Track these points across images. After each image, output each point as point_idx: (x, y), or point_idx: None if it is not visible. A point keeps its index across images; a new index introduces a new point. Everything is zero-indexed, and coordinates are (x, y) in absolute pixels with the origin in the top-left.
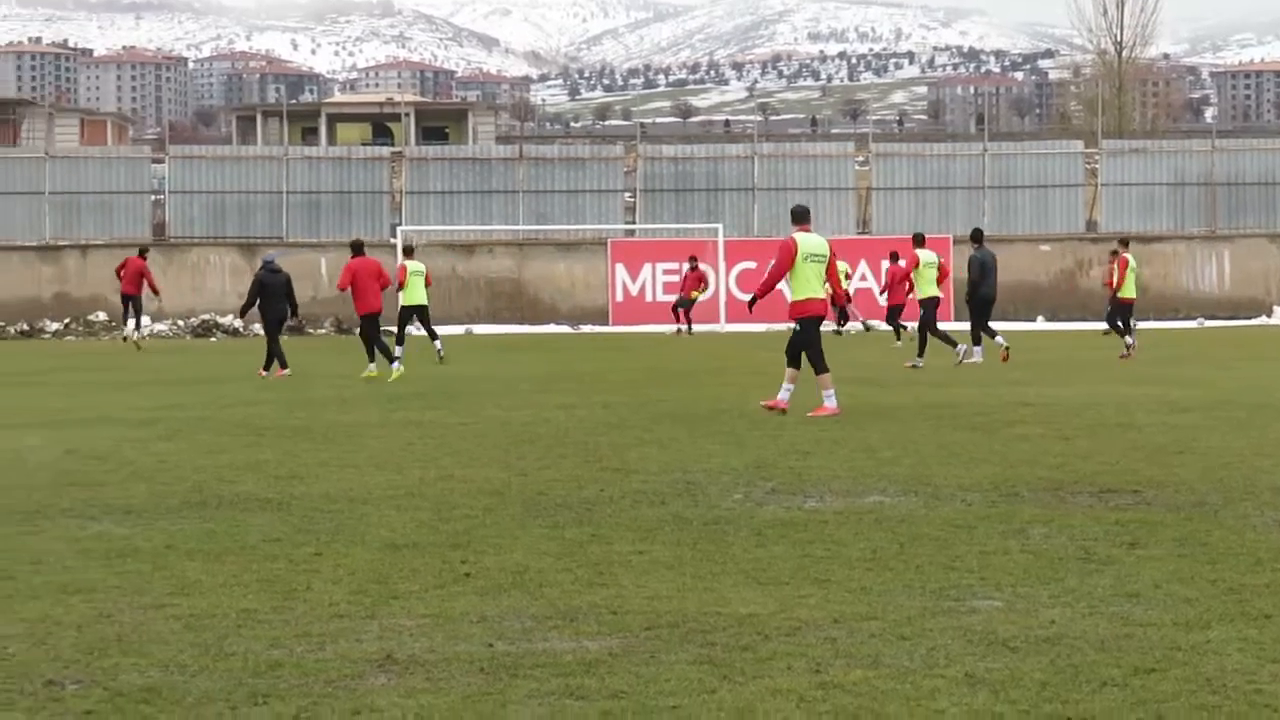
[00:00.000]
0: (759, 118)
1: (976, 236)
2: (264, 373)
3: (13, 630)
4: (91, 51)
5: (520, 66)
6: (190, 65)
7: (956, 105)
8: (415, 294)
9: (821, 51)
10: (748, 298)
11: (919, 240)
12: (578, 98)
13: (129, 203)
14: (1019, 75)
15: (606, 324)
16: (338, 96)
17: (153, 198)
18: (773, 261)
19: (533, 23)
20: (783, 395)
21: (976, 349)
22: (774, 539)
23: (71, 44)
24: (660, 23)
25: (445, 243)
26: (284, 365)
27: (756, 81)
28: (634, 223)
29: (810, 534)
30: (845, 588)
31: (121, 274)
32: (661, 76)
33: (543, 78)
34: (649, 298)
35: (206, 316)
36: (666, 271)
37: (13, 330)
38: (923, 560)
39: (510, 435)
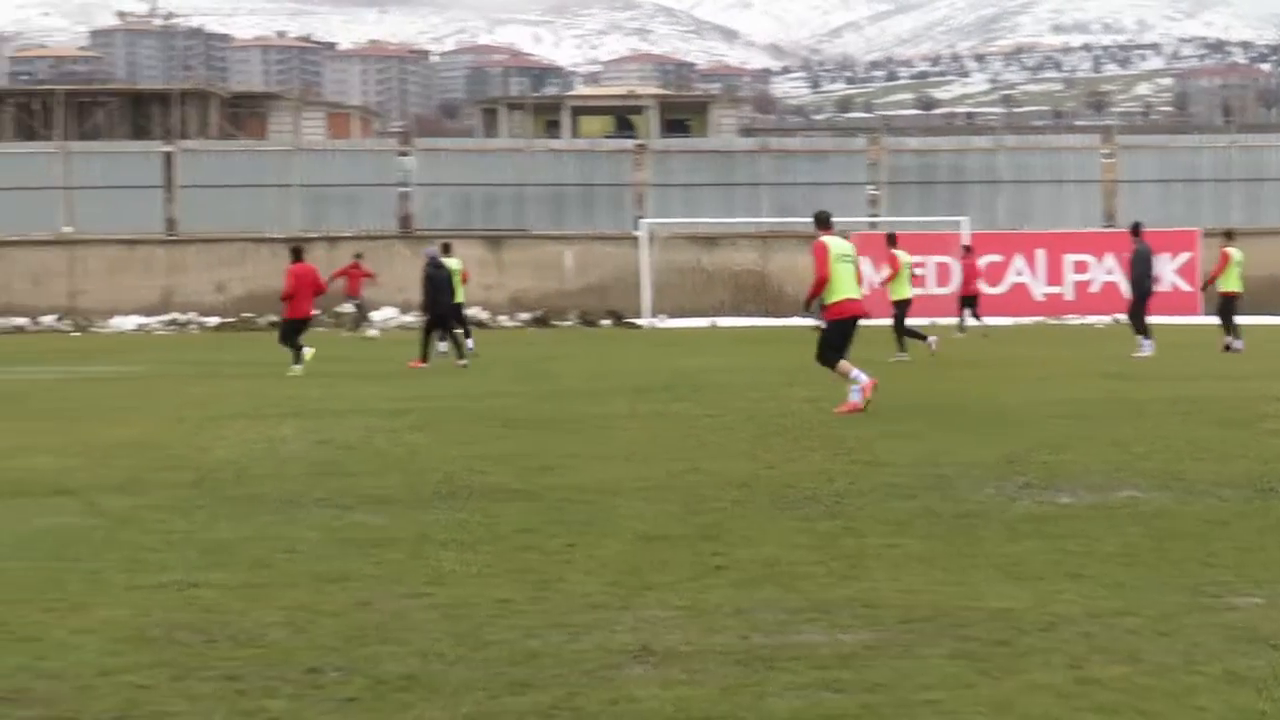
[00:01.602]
0: (1002, 110)
1: (1136, 230)
2: (423, 364)
3: (273, 618)
4: (336, 45)
5: (761, 59)
6: (433, 58)
7: (1202, 97)
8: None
9: (1065, 43)
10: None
11: (892, 241)
12: (819, 90)
13: (376, 195)
14: (1265, 66)
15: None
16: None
17: (399, 190)
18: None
19: (774, 15)
20: (853, 396)
21: (1146, 342)
22: (1027, 533)
23: (316, 38)
24: (902, 14)
25: (689, 235)
26: (424, 360)
27: (999, 73)
28: (877, 215)
29: (1063, 529)
30: (1100, 583)
31: (341, 278)
32: (903, 69)
33: (784, 70)
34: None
35: None
36: (911, 265)
37: (262, 321)
38: (1179, 556)
39: (757, 428)
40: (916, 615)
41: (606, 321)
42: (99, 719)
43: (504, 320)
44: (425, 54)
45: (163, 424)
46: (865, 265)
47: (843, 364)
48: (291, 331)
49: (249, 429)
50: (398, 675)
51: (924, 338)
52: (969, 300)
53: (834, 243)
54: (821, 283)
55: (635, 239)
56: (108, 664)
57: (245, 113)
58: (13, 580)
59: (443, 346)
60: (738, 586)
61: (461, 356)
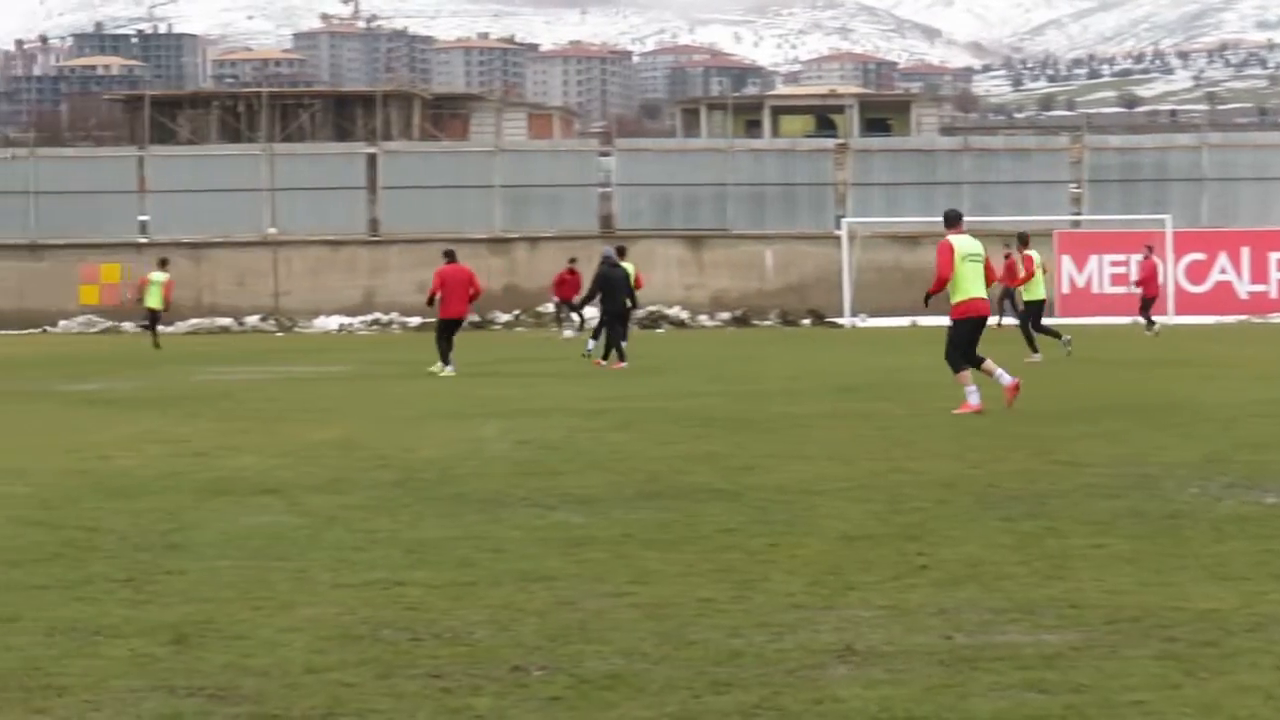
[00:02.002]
0: (1205, 107)
1: None
2: (602, 362)
3: (478, 617)
4: (538, 46)
5: (963, 57)
6: (634, 59)
7: None
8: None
9: (1269, 40)
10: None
11: (1024, 241)
12: (1021, 88)
13: (577, 195)
14: None
15: (1052, 316)
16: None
17: (600, 190)
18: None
19: (975, 13)
20: (972, 399)
21: None
22: (1233, 534)
23: (518, 39)
24: (1104, 12)
25: (890, 234)
26: (621, 358)
27: (1203, 70)
28: (1080, 214)
29: (1270, 529)
30: None
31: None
32: (1106, 66)
33: (985, 68)
34: (1095, 289)
35: (654, 308)
36: (1114, 263)
37: (464, 322)
38: None
39: (959, 427)
40: (1122, 616)
41: (806, 321)
42: (306, 716)
43: (704, 320)
44: (626, 54)
45: (366, 424)
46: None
47: (964, 372)
48: (442, 331)
49: (452, 429)
50: (601, 674)
51: (1059, 336)
52: (1149, 301)
53: (959, 242)
54: (942, 281)
55: (836, 238)
56: (314, 662)
57: (447, 114)
58: (220, 579)
59: (568, 333)
60: (940, 586)
61: (620, 358)
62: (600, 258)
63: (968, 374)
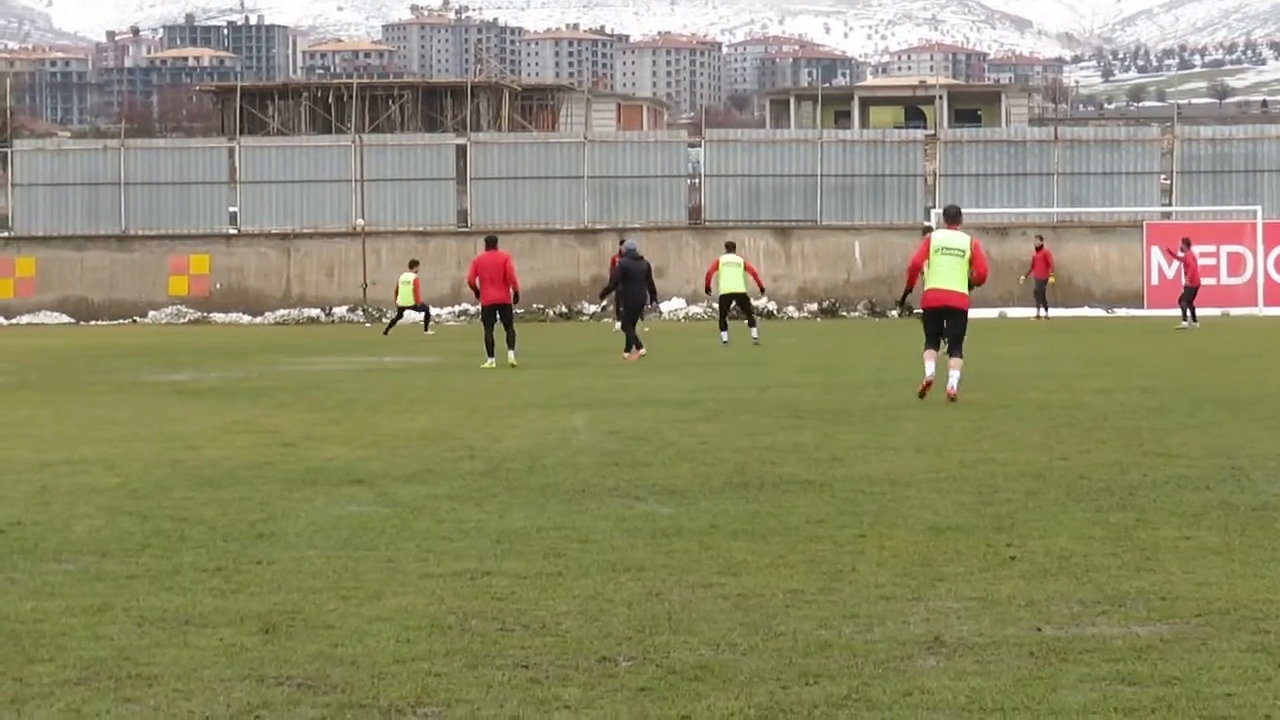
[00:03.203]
0: None
1: None
2: (626, 356)
3: (566, 607)
4: (628, 37)
5: (1053, 48)
6: (724, 50)
7: None
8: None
9: None
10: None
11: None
12: (1111, 79)
13: (665, 186)
14: None
15: (1141, 308)
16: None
17: (689, 181)
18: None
19: (1066, 4)
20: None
21: None
22: None
23: (608, 30)
24: (1196, 2)
25: (979, 225)
26: (639, 346)
27: None
28: (1170, 204)
29: None
30: None
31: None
32: (1197, 57)
33: (1075, 59)
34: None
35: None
36: (1204, 255)
37: (552, 313)
38: None
39: (1049, 419)
40: (1212, 608)
41: (894, 312)
42: (394, 706)
43: (791, 311)
44: (716, 45)
45: (454, 414)
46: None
47: (925, 352)
48: (485, 319)
49: (540, 419)
50: (690, 665)
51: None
52: (1191, 293)
53: (938, 236)
54: (908, 271)
55: (926, 228)
56: (402, 651)
57: (537, 105)
58: (309, 569)
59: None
60: (1030, 578)
61: (637, 347)
62: (623, 249)
63: (927, 354)
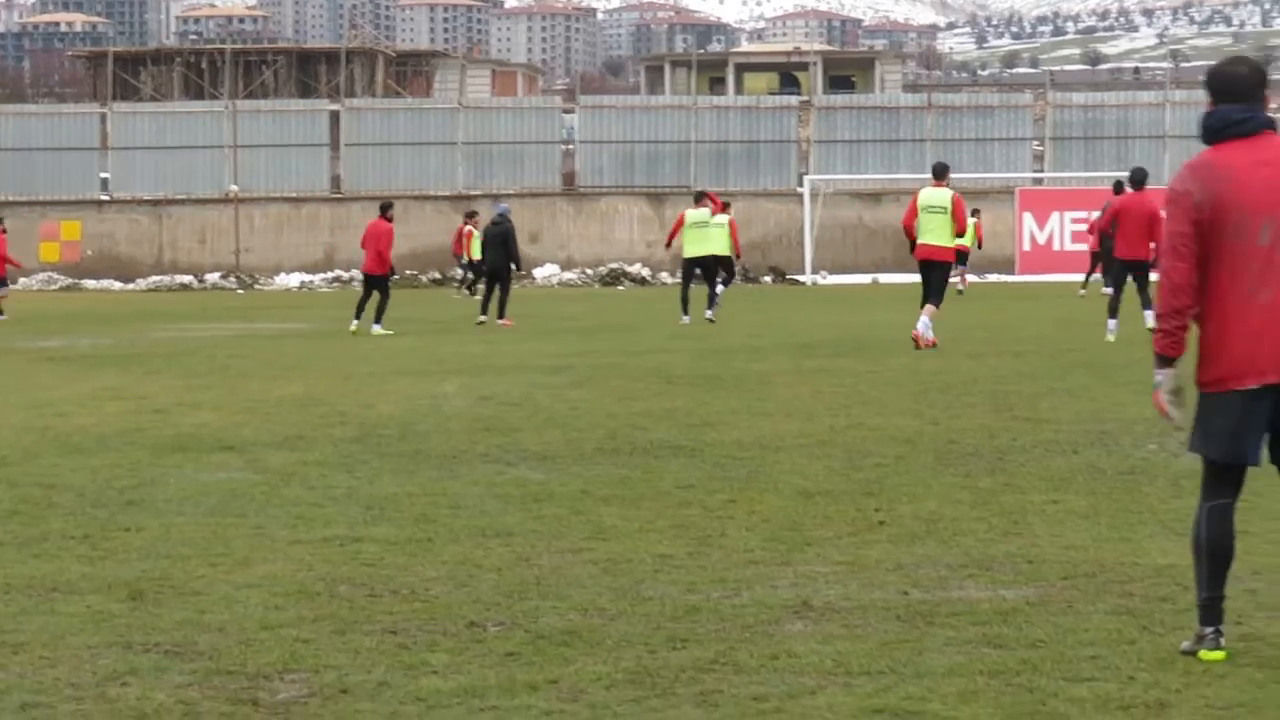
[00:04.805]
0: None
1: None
2: (482, 319)
3: (435, 573)
4: (502, 3)
5: (927, 14)
6: (599, 16)
7: None
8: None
9: None
10: None
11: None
12: (985, 45)
13: (540, 153)
14: None
15: (1013, 273)
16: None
17: (563, 148)
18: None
19: None
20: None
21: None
22: (1190, 490)
23: None
24: None
25: (852, 191)
26: (489, 314)
27: (1167, 28)
28: (1042, 171)
29: None
30: (1265, 539)
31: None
32: (1070, 23)
33: (950, 26)
34: (1057, 246)
35: (615, 265)
36: (1075, 220)
37: (424, 279)
38: None
39: (920, 383)
40: (1078, 571)
41: (768, 278)
42: (262, 672)
43: (665, 277)
44: (591, 11)
45: (326, 380)
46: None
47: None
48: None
49: (413, 385)
50: (558, 630)
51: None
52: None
53: (923, 194)
54: (904, 229)
55: (798, 195)
56: (271, 618)
57: (411, 71)
58: (177, 536)
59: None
60: (898, 542)
61: (502, 316)
62: (495, 214)
63: (924, 310)
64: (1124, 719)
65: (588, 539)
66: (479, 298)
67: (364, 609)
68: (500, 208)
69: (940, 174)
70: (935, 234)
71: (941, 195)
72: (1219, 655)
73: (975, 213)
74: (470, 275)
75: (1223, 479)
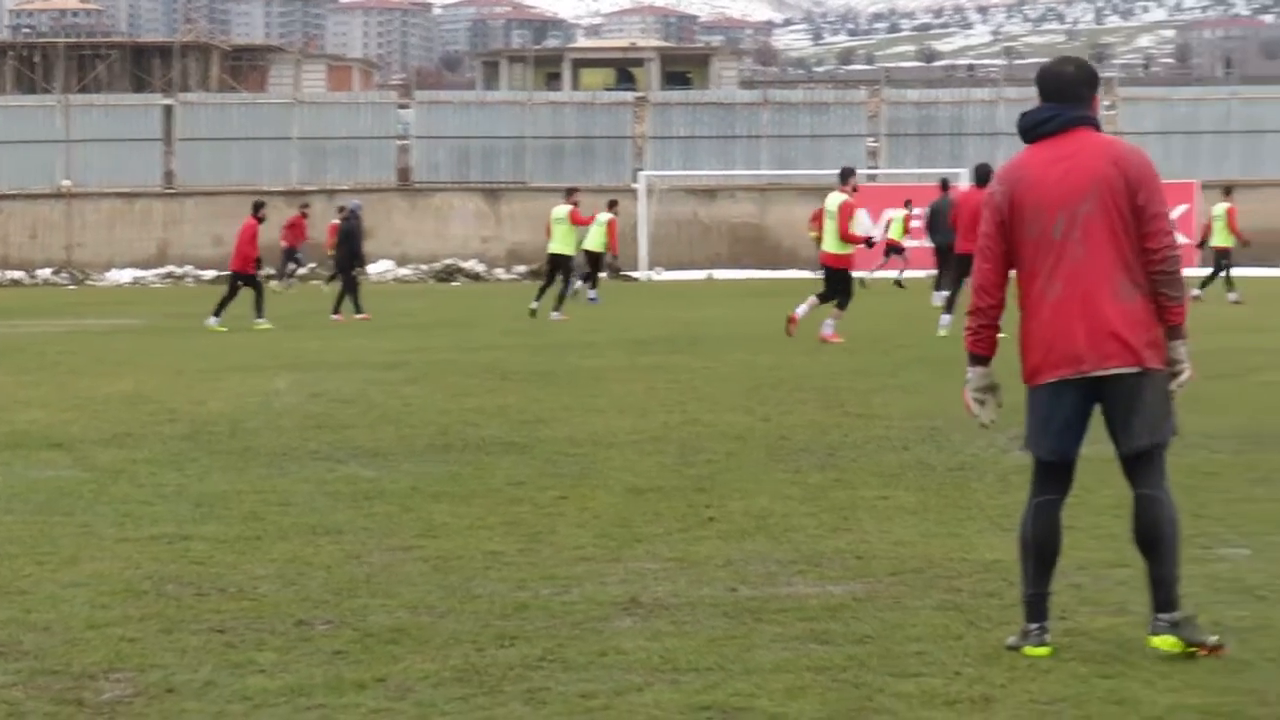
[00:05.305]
0: (1004, 62)
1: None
2: (335, 317)
3: (263, 571)
4: None
5: (764, 11)
6: (436, 11)
7: (1204, 49)
8: None
9: None
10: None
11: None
12: (821, 42)
13: (375, 148)
14: (1268, 18)
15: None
16: (582, 42)
17: (398, 143)
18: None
19: None
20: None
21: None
22: (1019, 485)
23: None
24: None
25: (687, 188)
26: (335, 311)
27: (1001, 25)
28: (877, 168)
29: None
30: (1091, 535)
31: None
32: (905, 20)
33: (786, 22)
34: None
35: (450, 261)
36: (910, 217)
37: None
38: None
39: (754, 380)
40: (906, 567)
41: (604, 274)
42: (87, 671)
43: (500, 273)
44: (428, 6)
45: (158, 377)
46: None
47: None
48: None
49: (244, 382)
50: (386, 628)
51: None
52: (894, 249)
53: (826, 200)
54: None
55: (633, 191)
56: (97, 617)
57: (246, 66)
58: (3, 534)
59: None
60: (728, 538)
61: (338, 312)
62: (346, 211)
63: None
64: (949, 714)
65: (418, 536)
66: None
67: (191, 608)
68: (351, 204)
69: (842, 177)
70: (827, 240)
71: (832, 200)
72: (1043, 651)
73: (907, 203)
74: (294, 266)
75: (1047, 475)
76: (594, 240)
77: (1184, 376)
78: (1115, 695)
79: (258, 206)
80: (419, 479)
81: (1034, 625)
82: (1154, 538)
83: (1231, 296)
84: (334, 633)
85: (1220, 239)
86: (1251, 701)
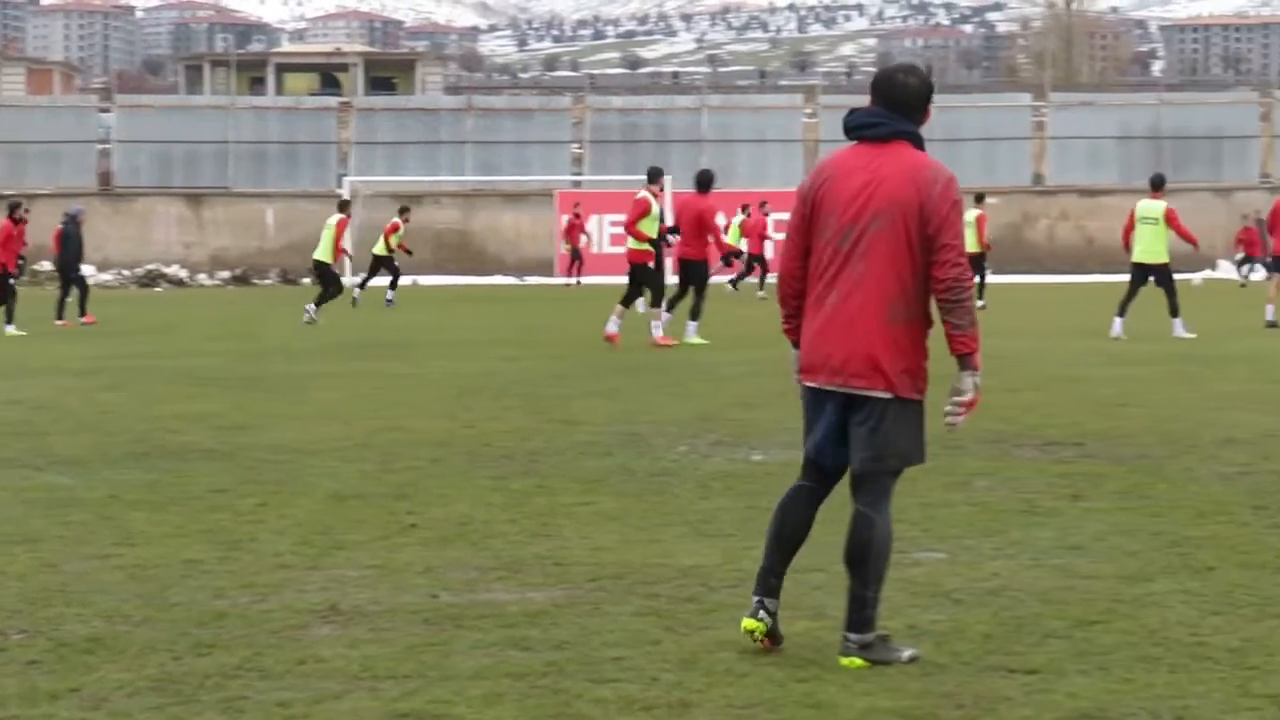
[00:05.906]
0: (707, 69)
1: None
2: (60, 321)
3: None
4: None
5: (469, 17)
6: (138, 14)
7: (905, 57)
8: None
9: (771, 3)
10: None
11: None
12: (526, 48)
13: (75, 152)
14: (968, 28)
15: (552, 275)
16: (286, 46)
17: (99, 147)
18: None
19: None
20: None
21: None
22: (719, 491)
23: None
24: None
25: (392, 193)
26: (59, 316)
27: (705, 33)
28: (581, 174)
29: (756, 486)
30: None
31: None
32: (610, 27)
33: (491, 28)
34: (595, 249)
35: (152, 266)
36: (613, 223)
37: None
38: None
39: (457, 387)
40: (606, 573)
41: (308, 280)
42: None
43: (203, 279)
44: (130, 9)
45: None
46: None
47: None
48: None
49: None
50: (82, 637)
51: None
52: (756, 259)
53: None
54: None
55: (338, 197)
56: None
57: None
58: None
59: None
60: (429, 545)
61: (61, 317)
62: (65, 217)
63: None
64: (646, 719)
65: (115, 545)
66: None
67: None
68: (72, 209)
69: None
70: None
71: (656, 204)
72: (756, 625)
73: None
74: None
75: (806, 465)
76: (323, 250)
77: (965, 400)
78: (811, 699)
79: (14, 208)
80: (117, 487)
81: (755, 598)
82: (860, 557)
83: (978, 303)
84: (28, 642)
85: (969, 245)
86: (947, 704)
